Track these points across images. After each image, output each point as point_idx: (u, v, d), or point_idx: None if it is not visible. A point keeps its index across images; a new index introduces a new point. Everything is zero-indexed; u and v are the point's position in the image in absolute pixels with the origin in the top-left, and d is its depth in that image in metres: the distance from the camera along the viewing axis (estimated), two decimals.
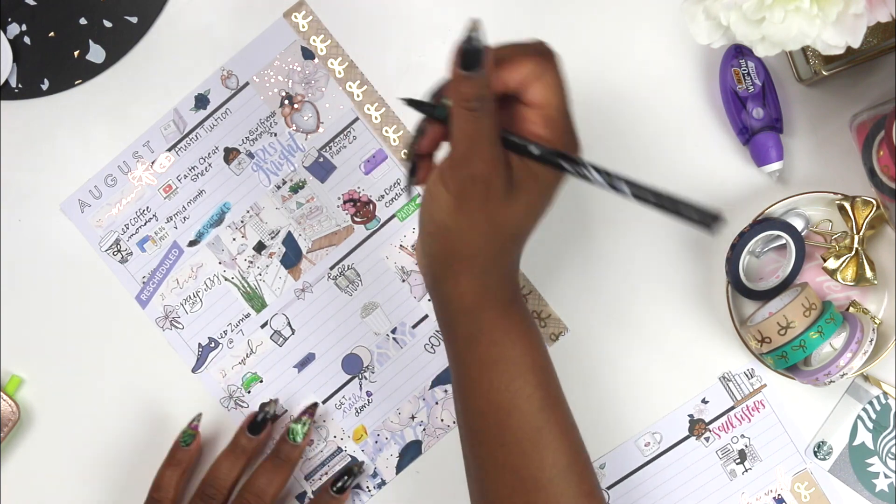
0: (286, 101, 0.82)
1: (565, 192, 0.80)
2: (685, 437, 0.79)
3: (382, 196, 0.81)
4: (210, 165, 0.82)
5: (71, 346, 0.82)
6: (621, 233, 0.80)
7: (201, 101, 0.82)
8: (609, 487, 0.79)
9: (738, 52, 0.77)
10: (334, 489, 0.77)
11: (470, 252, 0.60)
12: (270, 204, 0.82)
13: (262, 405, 0.78)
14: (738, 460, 0.79)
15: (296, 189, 0.82)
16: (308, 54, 0.82)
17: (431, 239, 0.61)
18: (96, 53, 0.83)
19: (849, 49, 0.63)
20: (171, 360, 0.81)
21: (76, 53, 0.83)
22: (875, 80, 0.78)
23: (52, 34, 0.83)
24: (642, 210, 0.80)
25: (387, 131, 0.81)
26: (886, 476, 0.78)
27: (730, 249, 0.76)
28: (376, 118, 0.81)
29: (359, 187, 0.81)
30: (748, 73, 0.77)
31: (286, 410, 0.81)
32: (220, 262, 0.82)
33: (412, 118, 0.81)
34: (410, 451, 0.80)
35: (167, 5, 0.83)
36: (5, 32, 0.83)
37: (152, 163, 0.82)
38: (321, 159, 0.82)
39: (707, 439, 0.79)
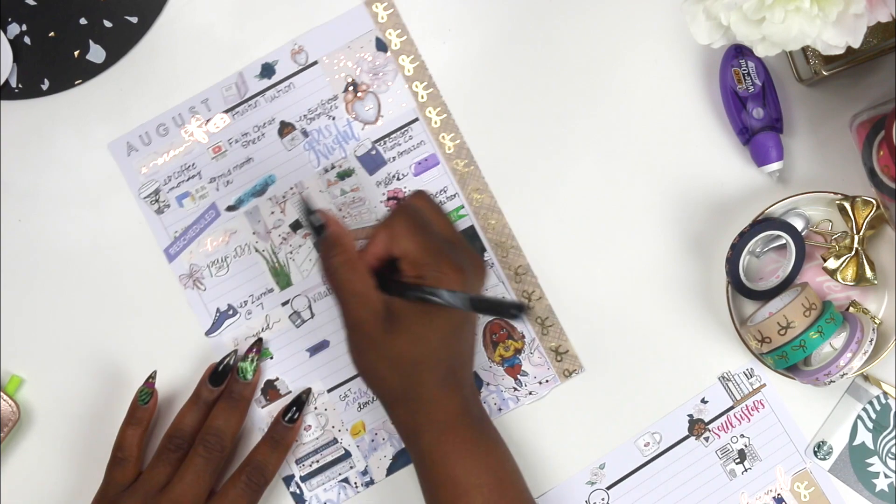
0: (350, 88, 0.82)
1: (566, 192, 0.80)
2: (685, 436, 0.79)
3: None
4: (263, 135, 0.82)
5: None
6: (621, 233, 0.80)
7: (267, 70, 0.82)
8: (609, 487, 0.79)
9: (738, 52, 0.78)
10: (286, 420, 0.78)
11: (381, 387, 0.70)
12: (315, 185, 0.82)
13: (224, 357, 0.79)
14: (738, 460, 0.79)
15: (343, 176, 0.82)
16: (381, 46, 0.82)
17: (362, 378, 0.72)
18: (96, 53, 0.83)
19: (849, 49, 0.63)
20: (187, 320, 0.81)
21: (76, 53, 0.83)
22: (875, 80, 0.79)
23: (52, 34, 0.83)
24: (642, 211, 0.80)
25: (443, 138, 0.81)
26: (886, 476, 0.78)
27: (730, 249, 0.76)
28: (436, 122, 0.81)
29: (405, 187, 0.81)
30: (748, 73, 0.77)
31: (290, 391, 0.81)
32: (254, 233, 0.82)
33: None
34: (404, 457, 0.80)
35: (167, 5, 0.83)
36: (5, 32, 0.83)
37: (207, 121, 0.82)
38: (374, 152, 0.82)
39: (707, 439, 0.79)
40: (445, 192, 0.81)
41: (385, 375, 0.69)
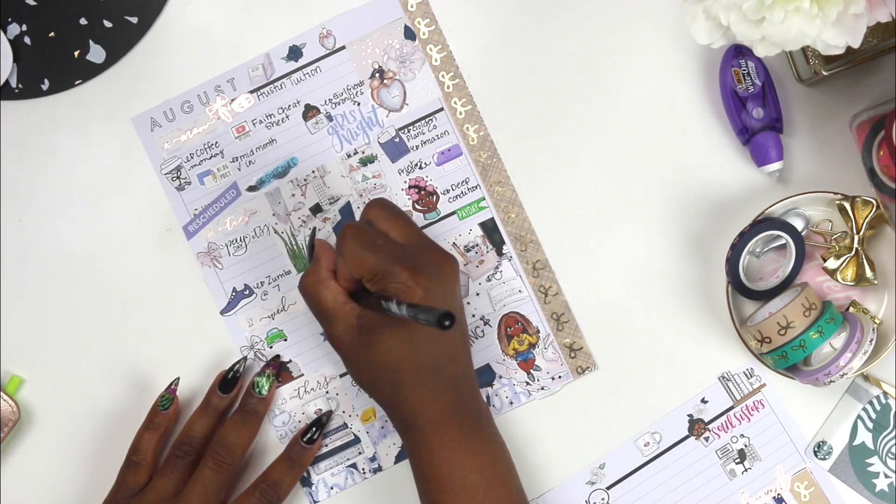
0: (377, 74, 0.82)
1: (573, 190, 0.80)
2: (685, 436, 0.79)
3: (448, 190, 0.81)
4: (287, 117, 0.82)
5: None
6: (621, 233, 0.80)
7: (295, 52, 0.82)
8: (609, 487, 0.79)
9: (738, 52, 0.78)
10: (304, 440, 0.78)
11: (371, 393, 0.73)
12: (337, 170, 0.82)
13: (233, 364, 0.79)
14: (738, 460, 0.79)
15: (365, 162, 0.82)
16: (410, 34, 0.82)
17: (360, 377, 0.73)
18: (96, 53, 0.83)
19: (849, 49, 0.63)
20: (203, 297, 0.81)
21: (76, 53, 0.83)
22: (875, 80, 0.79)
23: (52, 34, 0.83)
24: (641, 210, 0.80)
25: (467, 129, 0.81)
26: (886, 476, 0.78)
27: (730, 249, 0.76)
28: (461, 113, 0.81)
29: (427, 176, 0.81)
30: (748, 73, 0.77)
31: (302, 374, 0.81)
32: (273, 214, 0.82)
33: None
34: None
35: (167, 5, 0.83)
36: (5, 32, 0.83)
37: (232, 100, 0.82)
38: (397, 139, 0.82)
39: (707, 439, 0.79)
40: (467, 183, 0.81)
41: (369, 383, 0.72)
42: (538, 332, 0.80)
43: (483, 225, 0.81)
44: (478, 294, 0.80)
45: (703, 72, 0.80)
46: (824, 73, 0.75)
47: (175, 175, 0.82)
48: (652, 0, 0.81)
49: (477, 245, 0.81)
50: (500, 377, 0.80)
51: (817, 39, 0.63)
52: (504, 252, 0.81)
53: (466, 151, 0.82)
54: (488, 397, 0.80)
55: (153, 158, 0.82)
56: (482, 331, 0.80)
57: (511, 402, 0.80)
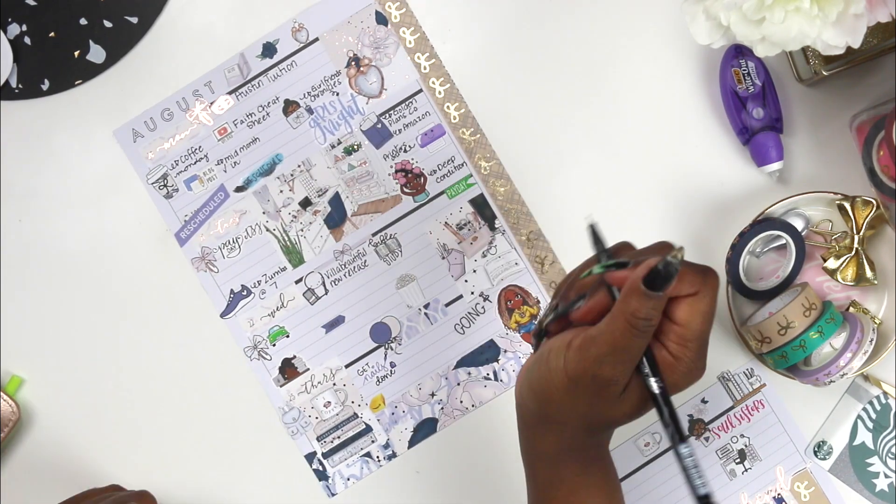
0: (353, 63, 0.82)
1: (570, 180, 0.80)
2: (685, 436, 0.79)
3: (435, 171, 0.82)
4: (268, 115, 0.82)
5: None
6: (621, 232, 0.80)
7: (269, 49, 0.82)
8: None
9: (738, 52, 0.78)
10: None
11: (562, 420, 0.60)
12: (322, 162, 0.82)
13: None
14: (738, 460, 0.79)
15: (350, 151, 0.82)
16: (381, 19, 0.82)
17: (533, 394, 0.61)
18: (96, 53, 0.83)
19: (849, 49, 0.63)
20: (202, 302, 0.82)
21: (76, 53, 0.83)
22: (875, 80, 0.79)
23: (52, 34, 0.83)
24: (642, 210, 0.80)
25: (448, 108, 0.82)
26: (886, 476, 0.78)
27: (730, 249, 0.76)
28: (440, 93, 0.82)
29: (413, 158, 0.82)
30: (748, 73, 0.77)
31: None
32: (263, 212, 0.82)
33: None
34: (425, 428, 0.80)
35: (167, 5, 0.83)
36: (5, 32, 0.83)
37: (211, 103, 0.83)
38: (379, 125, 0.82)
39: (707, 439, 0.79)
40: (453, 161, 0.81)
41: (570, 417, 0.60)
42: (538, 302, 0.80)
43: (473, 201, 0.81)
44: (475, 271, 0.81)
45: (703, 72, 0.80)
46: (824, 73, 0.75)
47: (162, 183, 0.82)
48: (652, 0, 0.81)
49: (469, 222, 0.81)
50: (505, 351, 0.80)
51: (817, 39, 0.63)
52: (497, 226, 0.81)
53: (449, 130, 0.82)
54: (495, 373, 0.80)
55: (138, 170, 0.82)
56: (482, 307, 0.80)
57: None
